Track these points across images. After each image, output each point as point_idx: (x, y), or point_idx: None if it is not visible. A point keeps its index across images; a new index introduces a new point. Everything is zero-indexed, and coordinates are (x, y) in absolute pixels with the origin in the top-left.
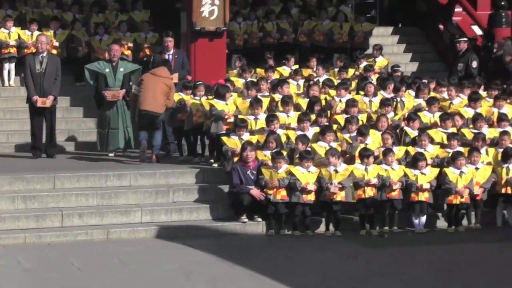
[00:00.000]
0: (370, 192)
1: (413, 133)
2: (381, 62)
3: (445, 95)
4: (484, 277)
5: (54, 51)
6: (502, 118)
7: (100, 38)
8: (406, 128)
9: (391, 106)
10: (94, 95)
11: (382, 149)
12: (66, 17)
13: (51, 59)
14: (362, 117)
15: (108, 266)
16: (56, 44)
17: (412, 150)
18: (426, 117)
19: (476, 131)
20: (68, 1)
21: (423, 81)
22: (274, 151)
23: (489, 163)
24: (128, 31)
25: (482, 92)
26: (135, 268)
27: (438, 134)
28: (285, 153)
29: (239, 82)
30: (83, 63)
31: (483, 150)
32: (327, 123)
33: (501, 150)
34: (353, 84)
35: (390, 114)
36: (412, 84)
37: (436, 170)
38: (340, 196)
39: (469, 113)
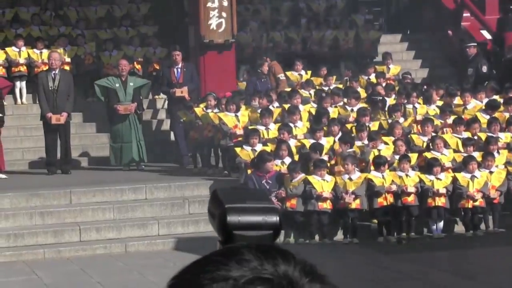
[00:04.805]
0: (390, 199)
1: (422, 139)
2: (393, 69)
3: (456, 100)
4: (506, 281)
5: (67, 68)
6: (511, 122)
7: (109, 54)
8: (412, 135)
9: (400, 112)
10: (106, 110)
11: (397, 156)
12: (73, 34)
13: (63, 75)
14: (374, 124)
15: (127, 279)
16: (68, 60)
17: (428, 155)
18: (438, 121)
19: (491, 134)
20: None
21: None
22: (289, 163)
23: (504, 166)
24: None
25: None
26: (155, 281)
27: (453, 139)
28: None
29: None
30: (90, 78)
31: (497, 154)
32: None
33: None
34: (362, 92)
35: (400, 120)
36: (424, 90)
37: (451, 175)
38: (355, 204)
39: (484, 118)
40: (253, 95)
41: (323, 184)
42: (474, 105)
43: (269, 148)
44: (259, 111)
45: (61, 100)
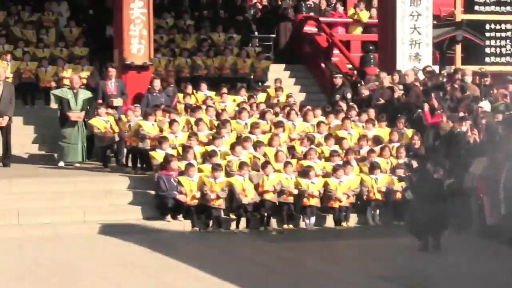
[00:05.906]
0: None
1: (301, 149)
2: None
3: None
4: (360, 265)
5: (9, 80)
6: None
7: (45, 70)
8: (295, 145)
9: (283, 128)
10: (59, 115)
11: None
12: (16, 53)
13: (6, 86)
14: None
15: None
16: (10, 74)
17: (304, 163)
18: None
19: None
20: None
21: (308, 107)
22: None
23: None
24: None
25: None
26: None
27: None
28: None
29: None
30: (28, 89)
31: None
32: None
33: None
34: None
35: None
36: (300, 110)
37: (323, 180)
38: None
39: (342, 133)
40: (154, 107)
41: (212, 184)
42: (336, 123)
43: (176, 152)
44: (167, 121)
45: (3, 106)
